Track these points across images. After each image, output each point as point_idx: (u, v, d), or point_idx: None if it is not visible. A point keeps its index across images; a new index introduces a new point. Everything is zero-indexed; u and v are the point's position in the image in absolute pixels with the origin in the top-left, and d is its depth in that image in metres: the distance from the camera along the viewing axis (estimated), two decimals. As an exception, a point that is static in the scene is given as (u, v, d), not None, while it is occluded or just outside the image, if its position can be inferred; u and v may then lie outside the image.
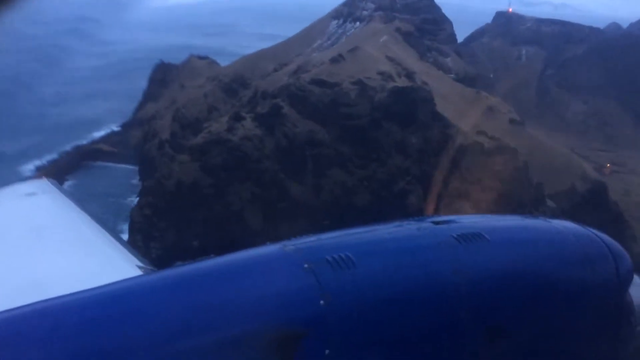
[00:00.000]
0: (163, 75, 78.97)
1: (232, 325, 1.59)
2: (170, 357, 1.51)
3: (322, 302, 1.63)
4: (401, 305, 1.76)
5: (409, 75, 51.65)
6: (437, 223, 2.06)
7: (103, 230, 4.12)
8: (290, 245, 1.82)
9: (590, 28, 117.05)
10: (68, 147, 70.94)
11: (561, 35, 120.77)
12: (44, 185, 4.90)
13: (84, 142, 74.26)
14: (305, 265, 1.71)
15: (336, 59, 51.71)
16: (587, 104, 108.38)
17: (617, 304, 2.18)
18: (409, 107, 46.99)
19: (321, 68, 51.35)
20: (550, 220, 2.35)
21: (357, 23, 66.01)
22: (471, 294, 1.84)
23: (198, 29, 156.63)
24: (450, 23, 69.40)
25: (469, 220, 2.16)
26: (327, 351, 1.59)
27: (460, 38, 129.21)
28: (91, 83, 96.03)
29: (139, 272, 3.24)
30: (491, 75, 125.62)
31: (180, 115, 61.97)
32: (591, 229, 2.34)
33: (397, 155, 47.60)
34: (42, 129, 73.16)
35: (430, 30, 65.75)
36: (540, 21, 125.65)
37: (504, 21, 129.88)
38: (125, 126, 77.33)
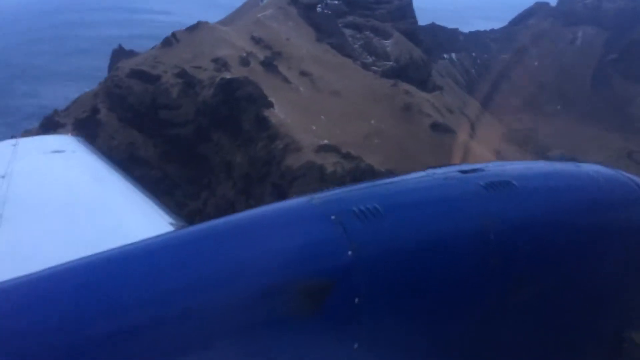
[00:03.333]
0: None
1: (262, 277, 1.56)
2: (200, 308, 1.47)
3: (350, 252, 1.60)
4: (429, 254, 1.73)
5: (268, 62, 34.98)
6: (464, 172, 1.96)
7: (135, 189, 4.05)
8: (317, 197, 1.78)
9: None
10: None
11: (628, 13, 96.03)
12: (70, 142, 4.73)
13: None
14: (333, 217, 1.66)
15: (168, 41, 36.14)
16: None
17: None
18: (234, 109, 30.71)
19: (147, 54, 36.07)
20: (581, 164, 2.23)
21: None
22: (500, 241, 1.80)
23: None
24: (404, -6, 50.84)
25: (497, 168, 2.07)
26: (356, 300, 1.57)
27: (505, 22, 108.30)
28: (89, 59, 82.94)
29: (172, 229, 3.19)
30: (535, 63, 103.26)
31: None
32: (625, 173, 2.25)
33: (226, 181, 31.54)
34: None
35: (364, 3, 47.92)
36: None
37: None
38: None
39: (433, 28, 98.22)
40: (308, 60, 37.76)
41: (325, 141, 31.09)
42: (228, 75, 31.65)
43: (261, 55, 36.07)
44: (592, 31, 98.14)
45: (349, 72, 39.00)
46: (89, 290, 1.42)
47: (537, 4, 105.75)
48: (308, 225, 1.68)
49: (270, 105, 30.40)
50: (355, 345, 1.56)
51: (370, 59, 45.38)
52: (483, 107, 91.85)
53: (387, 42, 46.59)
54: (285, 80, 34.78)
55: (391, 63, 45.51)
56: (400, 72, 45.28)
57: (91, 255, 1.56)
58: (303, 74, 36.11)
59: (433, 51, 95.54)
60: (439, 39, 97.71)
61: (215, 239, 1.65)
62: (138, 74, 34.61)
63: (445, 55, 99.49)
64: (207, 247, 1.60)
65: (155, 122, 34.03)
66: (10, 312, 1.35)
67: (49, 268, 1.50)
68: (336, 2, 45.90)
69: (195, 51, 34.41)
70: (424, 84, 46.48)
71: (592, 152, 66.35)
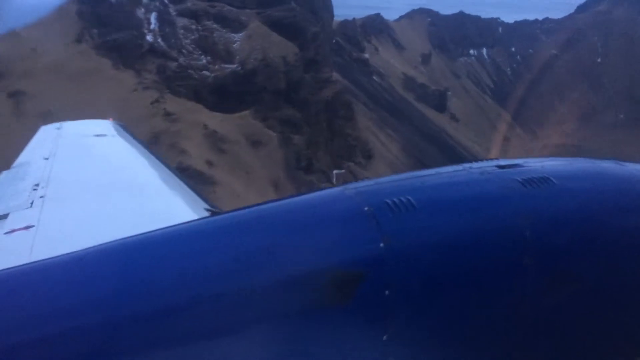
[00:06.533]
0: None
1: (294, 265, 1.56)
2: (232, 294, 1.49)
3: (382, 244, 1.59)
4: (461, 249, 1.69)
5: None
6: (501, 167, 1.92)
7: (172, 174, 4.09)
8: (351, 188, 1.74)
9: None
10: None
11: None
12: (112, 126, 4.87)
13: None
14: (366, 208, 1.64)
15: None
16: None
17: None
18: None
19: None
20: (623, 163, 2.14)
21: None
22: (535, 239, 1.74)
23: None
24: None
25: (536, 164, 2.00)
26: (387, 292, 1.57)
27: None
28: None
29: (207, 214, 3.17)
30: (599, 60, 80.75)
31: None
32: None
33: None
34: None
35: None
36: (697, -28, 77.28)
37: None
38: None
39: (460, 18, 79.28)
40: (40, 73, 25.28)
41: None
42: None
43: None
44: (680, 18, 74.93)
45: (96, 83, 25.90)
46: (128, 271, 1.46)
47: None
48: (341, 216, 1.65)
49: None
50: (384, 337, 1.55)
51: (203, 60, 31.66)
52: (512, 116, 72.29)
53: (237, 37, 32.44)
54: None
55: (233, 66, 31.42)
56: (245, 79, 31.14)
57: (129, 237, 1.59)
58: (12, 95, 23.75)
59: (454, 46, 77.40)
60: (466, 30, 78.88)
61: (249, 226, 1.63)
62: None
63: (471, 51, 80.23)
64: (241, 233, 1.60)
65: None
66: (50, 289, 1.38)
67: (87, 248, 1.54)
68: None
69: None
70: (282, 95, 31.87)
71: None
